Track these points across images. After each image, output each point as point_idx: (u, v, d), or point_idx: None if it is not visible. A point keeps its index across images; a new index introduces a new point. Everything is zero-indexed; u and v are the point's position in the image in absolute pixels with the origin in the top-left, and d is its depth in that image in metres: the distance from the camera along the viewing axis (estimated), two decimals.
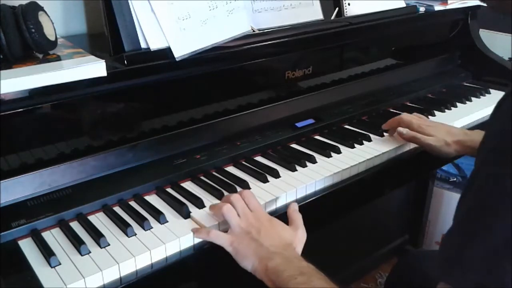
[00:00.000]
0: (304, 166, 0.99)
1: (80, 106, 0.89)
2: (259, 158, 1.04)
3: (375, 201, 1.18)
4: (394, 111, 1.31)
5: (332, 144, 1.08)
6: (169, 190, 0.91)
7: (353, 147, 1.08)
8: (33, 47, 0.82)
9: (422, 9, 1.41)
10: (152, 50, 0.91)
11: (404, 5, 1.39)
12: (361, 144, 1.10)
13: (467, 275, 0.55)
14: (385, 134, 1.15)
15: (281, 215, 0.85)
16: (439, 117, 1.28)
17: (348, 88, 1.31)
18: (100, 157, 0.89)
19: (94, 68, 0.81)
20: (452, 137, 1.06)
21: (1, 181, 0.79)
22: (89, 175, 0.87)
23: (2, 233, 0.74)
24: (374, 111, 1.29)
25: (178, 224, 0.81)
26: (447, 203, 1.95)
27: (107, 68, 0.83)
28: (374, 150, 1.07)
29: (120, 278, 0.72)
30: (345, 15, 1.27)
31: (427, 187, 1.92)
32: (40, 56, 0.85)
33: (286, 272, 0.71)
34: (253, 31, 1.06)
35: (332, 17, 1.25)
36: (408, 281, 1.09)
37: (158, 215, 0.82)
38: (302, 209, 0.85)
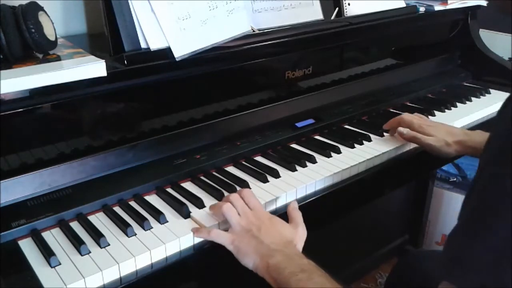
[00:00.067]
0: (304, 166, 0.99)
1: (80, 106, 0.89)
2: (259, 158, 1.04)
3: (375, 201, 1.18)
4: (394, 111, 1.31)
5: (332, 144, 1.08)
6: (169, 190, 0.91)
7: (353, 147, 1.08)
8: (33, 47, 0.82)
9: (422, 9, 1.41)
10: (152, 50, 0.91)
11: (404, 5, 1.39)
12: (361, 144, 1.10)
13: (471, 276, 0.55)
14: (385, 134, 1.15)
15: (281, 215, 0.85)
16: (439, 117, 1.28)
17: (348, 88, 1.31)
18: (100, 157, 0.89)
19: (94, 68, 0.81)
20: (452, 137, 1.06)
21: (1, 181, 0.79)
22: (89, 175, 0.87)
23: (2, 233, 0.74)
24: (374, 111, 1.29)
25: (178, 224, 0.81)
26: (447, 203, 1.95)
27: (107, 68, 0.83)
28: (374, 150, 1.07)
29: (120, 278, 0.72)
30: (345, 15, 1.27)
31: (427, 187, 1.92)
32: (40, 56, 0.85)
33: (287, 269, 0.72)
34: (253, 31, 1.06)
35: (332, 17, 1.25)
36: (408, 281, 1.09)
37: (158, 215, 0.82)
38: (302, 209, 0.85)
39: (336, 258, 1.58)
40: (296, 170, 0.98)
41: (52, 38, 0.85)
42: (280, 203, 0.90)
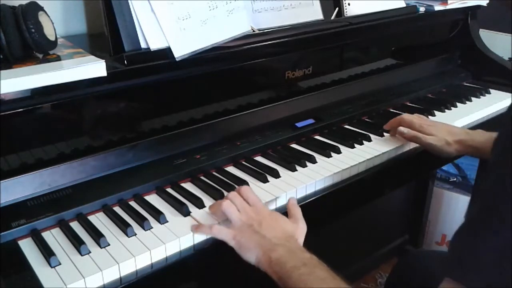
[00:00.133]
0: (304, 166, 0.99)
1: (80, 106, 0.89)
2: (259, 158, 1.04)
3: (375, 201, 1.18)
4: (394, 111, 1.31)
5: (332, 144, 1.08)
6: (169, 190, 0.91)
7: (353, 147, 1.08)
8: (33, 47, 0.82)
9: (422, 9, 1.41)
10: (152, 50, 0.91)
11: (404, 5, 1.39)
12: (361, 144, 1.10)
13: (476, 275, 0.55)
14: (385, 134, 1.15)
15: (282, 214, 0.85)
16: (439, 117, 1.28)
17: (348, 88, 1.31)
18: (100, 157, 0.89)
19: (94, 68, 0.81)
20: (453, 136, 1.06)
21: (1, 181, 0.79)
22: (89, 175, 0.87)
23: (2, 233, 0.74)
24: (374, 111, 1.29)
25: (178, 224, 0.81)
26: (447, 203, 1.95)
27: (107, 68, 0.83)
28: (374, 150, 1.07)
29: (120, 278, 0.72)
30: (345, 15, 1.27)
31: (427, 187, 1.92)
32: (40, 56, 0.85)
33: (289, 263, 0.72)
34: (253, 31, 1.06)
35: (332, 17, 1.25)
36: (408, 281, 1.09)
37: (158, 215, 0.82)
38: (302, 209, 0.85)
39: (336, 258, 1.57)
40: (296, 170, 0.98)
41: (52, 38, 0.85)
42: (280, 203, 0.90)
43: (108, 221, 0.82)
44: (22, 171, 0.82)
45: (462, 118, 1.28)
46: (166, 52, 0.92)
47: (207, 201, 0.87)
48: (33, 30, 0.80)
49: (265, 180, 0.94)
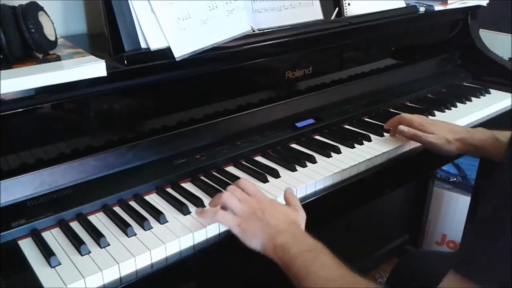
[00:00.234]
0: (304, 166, 0.99)
1: (80, 106, 0.89)
2: (259, 158, 1.04)
3: (375, 201, 1.18)
4: (394, 111, 1.31)
5: (332, 144, 1.08)
6: (169, 190, 0.91)
7: (353, 147, 1.08)
8: (33, 47, 0.82)
9: (422, 9, 1.41)
10: (152, 50, 0.91)
11: (404, 5, 1.38)
12: (361, 144, 1.10)
13: (490, 275, 0.55)
14: (385, 134, 1.15)
15: None
16: (439, 117, 1.28)
17: (348, 88, 1.31)
18: (100, 157, 0.89)
19: (94, 68, 0.81)
20: (453, 135, 1.06)
21: (1, 181, 0.79)
22: (89, 175, 0.87)
23: (2, 233, 0.74)
24: (374, 111, 1.29)
25: (178, 224, 0.81)
26: (447, 203, 1.95)
27: (107, 68, 0.83)
28: (374, 150, 1.07)
29: (120, 278, 0.72)
30: (345, 15, 1.27)
31: (427, 187, 1.92)
32: (40, 56, 0.85)
33: (293, 249, 0.72)
34: (253, 31, 1.06)
35: (332, 17, 1.25)
36: (408, 281, 1.09)
37: (158, 215, 0.82)
38: None
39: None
40: (296, 170, 0.98)
41: (52, 38, 0.85)
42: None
43: (108, 221, 0.82)
44: (22, 171, 0.82)
45: (462, 118, 1.28)
46: (166, 52, 0.92)
47: (207, 201, 0.87)
48: (33, 30, 0.80)
49: (265, 180, 0.94)
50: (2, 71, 0.75)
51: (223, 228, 0.82)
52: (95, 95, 0.88)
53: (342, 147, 1.07)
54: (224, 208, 0.81)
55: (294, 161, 1.00)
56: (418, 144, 1.10)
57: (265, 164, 1.00)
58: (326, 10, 1.23)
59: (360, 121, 1.25)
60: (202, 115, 1.04)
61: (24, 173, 0.82)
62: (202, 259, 0.81)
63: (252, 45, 1.05)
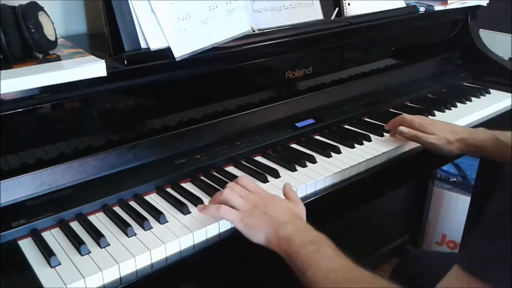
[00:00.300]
0: (304, 166, 0.99)
1: (80, 106, 0.89)
2: (259, 158, 1.04)
3: (375, 201, 1.18)
4: (394, 111, 1.31)
5: (332, 144, 1.08)
6: (169, 190, 0.91)
7: (353, 147, 1.08)
8: (33, 47, 0.82)
9: (422, 9, 1.41)
10: (152, 50, 0.91)
11: (404, 5, 1.39)
12: (361, 144, 1.10)
13: (503, 275, 0.54)
14: (385, 134, 1.15)
15: None
16: (439, 117, 1.28)
17: (348, 88, 1.31)
18: (100, 157, 0.89)
19: (94, 68, 0.81)
20: (454, 135, 1.06)
21: (1, 181, 0.79)
22: (89, 175, 0.87)
23: (2, 233, 0.74)
24: (374, 111, 1.29)
25: (178, 224, 0.81)
26: (447, 203, 1.95)
27: (107, 68, 0.83)
28: (374, 150, 1.07)
29: (120, 278, 0.72)
30: (345, 15, 1.27)
31: (427, 187, 1.92)
32: (40, 56, 0.85)
33: (297, 241, 0.72)
34: (253, 31, 1.06)
35: (332, 17, 1.25)
36: (408, 281, 1.09)
37: (158, 215, 0.82)
38: None
39: None
40: (296, 170, 0.98)
41: (52, 38, 0.85)
42: None
43: (108, 221, 0.82)
44: (22, 171, 0.82)
45: (462, 118, 1.28)
46: (166, 52, 0.92)
47: (207, 201, 0.86)
48: (33, 30, 0.80)
49: (265, 180, 0.94)
50: (2, 71, 0.75)
51: (223, 228, 0.82)
52: (95, 95, 0.88)
53: (342, 147, 1.07)
54: (225, 205, 0.81)
55: (294, 161, 1.00)
56: (418, 144, 1.10)
57: (265, 164, 1.00)
58: (326, 10, 1.23)
59: (360, 121, 1.25)
60: (202, 115, 1.04)
61: (24, 173, 0.82)
62: (202, 259, 0.81)
63: (252, 45, 1.05)
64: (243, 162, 1.02)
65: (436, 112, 1.30)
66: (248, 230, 0.77)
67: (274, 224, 0.76)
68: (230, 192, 0.81)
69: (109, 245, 0.75)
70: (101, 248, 0.75)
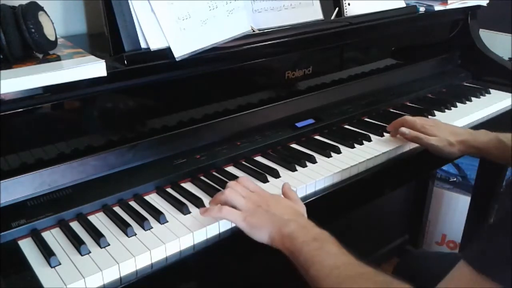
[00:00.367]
0: (304, 166, 0.99)
1: (80, 106, 0.89)
2: (259, 158, 1.04)
3: (375, 201, 1.18)
4: (394, 111, 1.31)
5: (332, 144, 1.08)
6: (169, 190, 0.91)
7: (353, 147, 1.08)
8: (33, 47, 0.82)
9: (422, 9, 1.41)
10: (152, 50, 0.91)
11: (404, 5, 1.38)
12: (361, 144, 1.10)
13: (507, 272, 0.54)
14: (385, 134, 1.15)
15: None
16: (439, 117, 1.28)
17: (348, 88, 1.31)
18: (100, 157, 0.89)
19: (94, 68, 0.81)
20: (456, 137, 1.06)
21: (1, 181, 0.79)
22: (89, 175, 0.87)
23: (2, 233, 0.74)
24: (374, 111, 1.29)
25: (178, 224, 0.81)
26: (447, 203, 1.95)
27: (107, 68, 0.83)
28: (374, 150, 1.07)
29: (120, 278, 0.72)
30: (345, 15, 1.27)
31: (427, 187, 1.92)
32: (40, 56, 0.85)
33: (300, 238, 0.73)
34: (253, 31, 1.06)
35: (332, 17, 1.25)
36: (409, 281, 1.09)
37: (158, 215, 0.82)
38: None
39: None
40: (296, 170, 0.98)
41: (52, 38, 0.85)
42: None
43: (108, 221, 0.82)
44: (22, 171, 0.82)
45: (462, 118, 1.28)
46: (166, 52, 0.92)
47: (207, 201, 0.87)
48: (33, 30, 0.80)
49: (265, 180, 0.94)
50: (2, 71, 0.75)
51: (223, 228, 0.82)
52: (95, 95, 0.88)
53: (342, 147, 1.07)
54: (226, 205, 0.81)
55: (294, 161, 1.00)
56: (418, 144, 1.10)
57: (265, 164, 1.00)
58: (326, 10, 1.23)
59: (360, 121, 1.25)
60: (202, 115, 1.04)
61: (24, 173, 0.82)
62: (202, 259, 0.81)
63: (252, 45, 1.05)
64: (243, 162, 1.02)
65: (436, 112, 1.30)
66: (251, 229, 0.77)
67: (277, 223, 0.76)
68: (231, 192, 0.81)
69: (109, 245, 0.75)
70: (101, 248, 0.75)
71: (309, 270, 0.70)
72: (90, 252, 0.74)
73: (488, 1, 1.53)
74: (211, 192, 0.90)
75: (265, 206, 0.79)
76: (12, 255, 0.73)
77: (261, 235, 0.77)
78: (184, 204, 0.85)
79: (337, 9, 1.26)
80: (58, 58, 0.85)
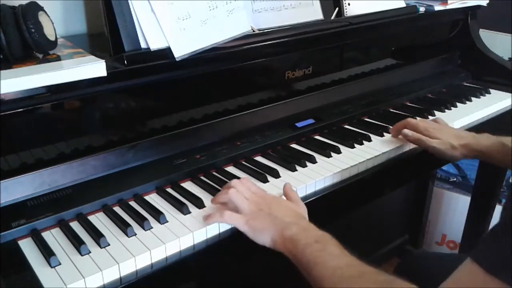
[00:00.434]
0: (304, 166, 0.99)
1: (80, 106, 0.89)
2: (259, 158, 1.04)
3: (375, 201, 1.18)
4: (394, 111, 1.31)
5: (332, 144, 1.08)
6: (169, 190, 0.91)
7: (353, 147, 1.08)
8: (33, 47, 0.82)
9: (422, 9, 1.41)
10: (152, 50, 0.91)
11: (404, 5, 1.38)
12: (361, 144, 1.10)
13: None
14: (385, 134, 1.15)
15: None
16: (439, 117, 1.28)
17: (348, 88, 1.31)
18: (100, 157, 0.89)
19: (94, 68, 0.81)
20: (459, 140, 1.05)
21: (1, 181, 0.79)
22: (89, 175, 0.87)
23: (2, 233, 0.74)
24: (374, 111, 1.29)
25: (178, 224, 0.81)
26: (447, 203, 1.95)
27: (107, 68, 0.83)
28: (374, 150, 1.07)
29: (120, 278, 0.72)
30: (345, 15, 1.27)
31: (427, 187, 1.92)
32: (40, 56, 0.85)
33: (303, 241, 0.73)
34: (253, 31, 1.06)
35: (332, 17, 1.25)
36: (409, 281, 1.09)
37: (158, 215, 0.82)
38: None
39: None
40: (296, 170, 0.98)
41: (52, 38, 0.85)
42: None
43: (108, 221, 0.82)
44: (22, 171, 0.82)
45: (462, 118, 1.28)
46: (166, 52, 0.92)
47: (207, 201, 0.87)
48: (33, 30, 0.80)
49: (265, 180, 0.94)
50: (2, 71, 0.75)
51: (223, 228, 0.82)
52: (95, 95, 0.88)
53: (342, 147, 1.07)
54: (227, 205, 0.81)
55: (294, 161, 1.00)
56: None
57: (265, 164, 1.00)
58: (326, 10, 1.23)
59: (360, 121, 1.25)
60: (202, 115, 1.04)
61: (24, 173, 0.82)
62: (202, 259, 0.81)
63: (252, 45, 1.05)
64: (243, 162, 1.02)
65: (436, 112, 1.30)
66: (254, 233, 0.78)
67: (279, 225, 0.76)
68: (235, 193, 0.81)
69: (109, 245, 0.75)
70: (101, 248, 0.75)
71: (311, 272, 0.70)
72: (90, 252, 0.74)
73: (488, 1, 1.53)
74: (211, 192, 0.90)
75: (266, 209, 0.79)
76: (12, 255, 0.73)
77: (264, 238, 0.77)
78: (184, 204, 0.85)
79: (337, 9, 1.26)
80: (58, 58, 0.85)
